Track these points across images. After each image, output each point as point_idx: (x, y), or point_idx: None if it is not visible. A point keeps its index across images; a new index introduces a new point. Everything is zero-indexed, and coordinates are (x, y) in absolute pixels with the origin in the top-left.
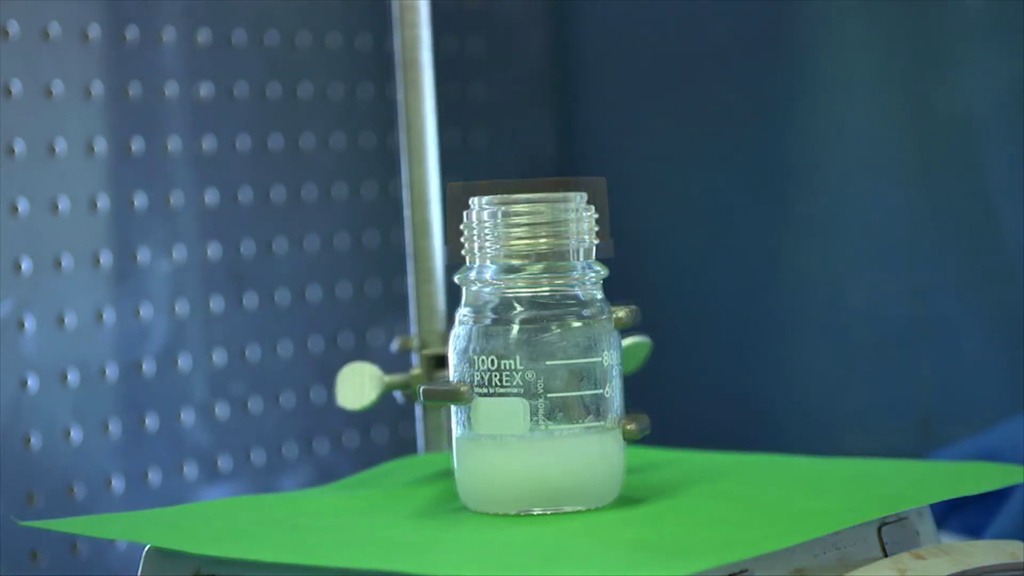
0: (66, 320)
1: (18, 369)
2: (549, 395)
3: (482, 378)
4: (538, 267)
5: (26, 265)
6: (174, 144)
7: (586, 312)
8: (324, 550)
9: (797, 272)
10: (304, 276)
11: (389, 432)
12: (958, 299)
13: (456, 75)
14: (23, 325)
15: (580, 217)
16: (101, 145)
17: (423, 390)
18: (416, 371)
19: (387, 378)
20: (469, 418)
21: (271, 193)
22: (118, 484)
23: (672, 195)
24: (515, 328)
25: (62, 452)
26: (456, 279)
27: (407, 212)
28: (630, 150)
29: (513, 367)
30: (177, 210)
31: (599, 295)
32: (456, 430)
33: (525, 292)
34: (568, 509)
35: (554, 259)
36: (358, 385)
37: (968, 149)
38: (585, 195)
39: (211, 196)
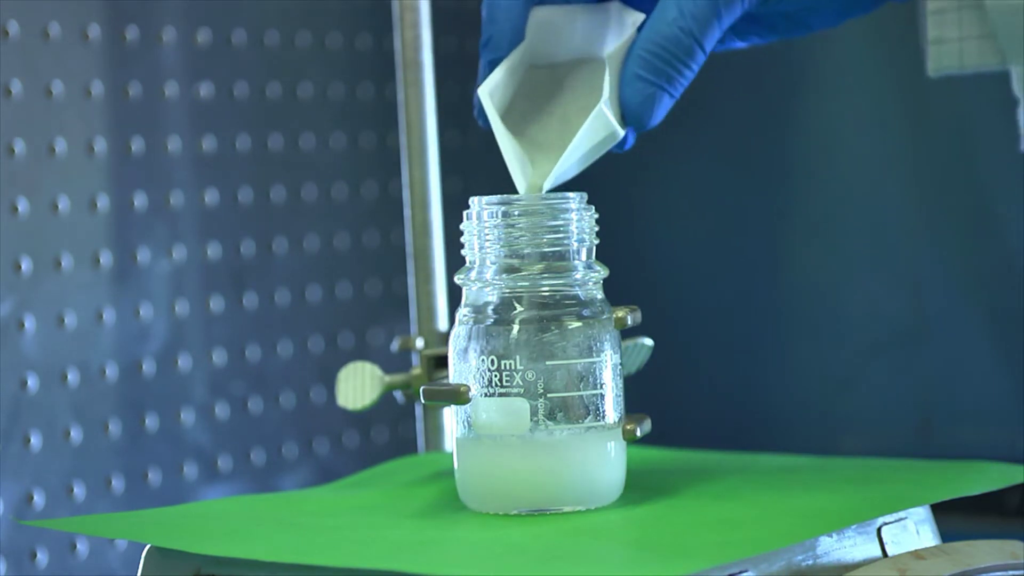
0: (66, 320)
1: (18, 369)
2: (549, 395)
3: (482, 378)
4: (538, 267)
5: (26, 265)
6: (174, 144)
7: (586, 312)
8: (324, 550)
9: (797, 272)
10: (304, 276)
11: (389, 432)
12: (958, 299)
13: (456, 75)
14: (23, 325)
15: (580, 217)
16: (101, 145)
17: (423, 390)
18: (416, 371)
19: (387, 378)
20: (469, 418)
21: (271, 193)
22: (118, 484)
23: (672, 195)
24: (515, 328)
25: (62, 452)
26: (456, 279)
27: (407, 212)
28: (630, 149)
29: (513, 367)
30: (177, 210)
31: (599, 295)
32: (456, 430)
33: (525, 292)
34: (568, 509)
35: (554, 259)
36: (358, 385)
37: (968, 149)
38: (585, 195)
39: (211, 196)
